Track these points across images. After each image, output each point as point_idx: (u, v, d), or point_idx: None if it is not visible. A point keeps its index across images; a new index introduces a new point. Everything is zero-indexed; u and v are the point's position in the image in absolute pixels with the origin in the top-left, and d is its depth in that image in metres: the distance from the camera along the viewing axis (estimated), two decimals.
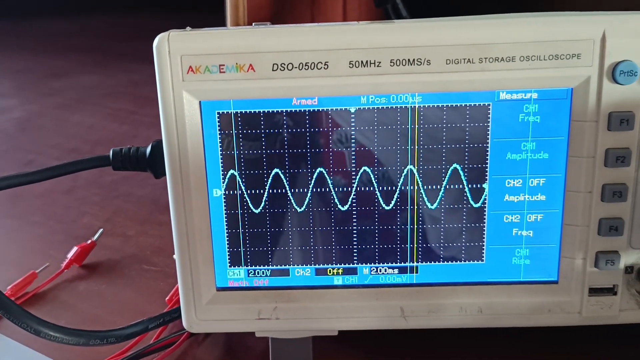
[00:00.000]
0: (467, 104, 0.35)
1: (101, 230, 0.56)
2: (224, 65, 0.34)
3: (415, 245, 0.38)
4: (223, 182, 0.37)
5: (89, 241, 0.54)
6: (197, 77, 0.35)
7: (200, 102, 0.35)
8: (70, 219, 0.62)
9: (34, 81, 1.06)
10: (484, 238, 0.37)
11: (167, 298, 0.47)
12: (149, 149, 0.41)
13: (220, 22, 0.49)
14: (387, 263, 0.38)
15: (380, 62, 0.34)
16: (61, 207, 0.64)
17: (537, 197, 0.37)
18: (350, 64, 0.34)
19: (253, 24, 0.37)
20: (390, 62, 0.34)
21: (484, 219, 0.37)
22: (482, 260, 0.38)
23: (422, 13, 0.40)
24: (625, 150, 0.35)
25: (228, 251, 0.38)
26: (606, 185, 0.35)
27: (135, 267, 0.54)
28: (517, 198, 0.37)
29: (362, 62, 0.34)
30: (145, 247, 0.56)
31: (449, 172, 0.36)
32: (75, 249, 0.53)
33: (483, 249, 0.38)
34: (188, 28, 0.36)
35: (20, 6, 1.51)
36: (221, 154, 0.36)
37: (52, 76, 1.07)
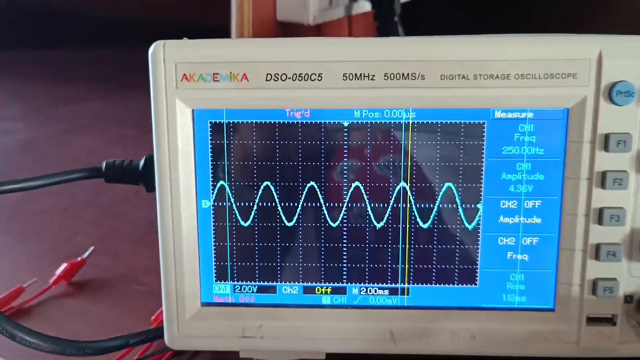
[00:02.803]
0: (462, 122, 0.35)
1: (92, 248, 0.55)
2: (218, 74, 0.34)
3: (406, 266, 0.36)
4: (212, 193, 0.36)
5: (79, 258, 0.53)
6: (190, 85, 0.35)
7: (193, 110, 0.35)
8: (63, 237, 0.61)
9: (41, 106, 1.07)
10: (477, 261, 0.36)
11: (152, 317, 0.46)
12: (142, 162, 0.41)
13: None
14: (377, 283, 0.37)
15: (374, 76, 0.34)
16: (56, 226, 0.64)
17: (533, 220, 0.36)
18: (344, 76, 0.34)
19: None
20: (385, 75, 0.34)
21: (478, 240, 0.36)
22: (476, 284, 0.36)
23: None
24: (623, 172, 0.34)
25: (215, 265, 0.37)
26: (603, 209, 0.34)
27: (124, 287, 0.52)
28: (512, 220, 0.36)
29: (356, 74, 0.34)
30: (136, 267, 0.55)
31: (443, 190, 0.36)
32: (64, 265, 0.52)
33: (477, 273, 0.36)
34: (185, 38, 0.36)
35: (35, 36, 1.55)
36: (212, 164, 0.36)
37: (59, 102, 1.08)
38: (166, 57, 0.34)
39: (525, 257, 0.36)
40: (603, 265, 0.35)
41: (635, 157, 0.34)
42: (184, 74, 0.34)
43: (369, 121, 0.35)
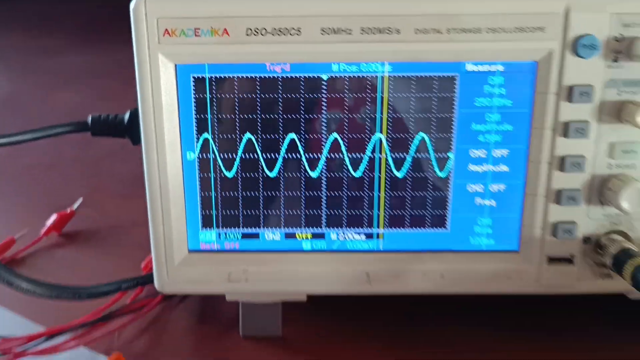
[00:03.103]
0: (435, 75, 0.36)
1: (80, 199, 0.56)
2: (199, 29, 0.35)
3: (381, 212, 0.39)
4: (197, 146, 0.38)
5: (68, 210, 0.55)
6: (172, 41, 0.36)
7: (175, 65, 0.36)
8: (51, 190, 0.63)
9: (22, 60, 1.06)
10: (448, 206, 0.38)
11: (142, 265, 0.48)
12: (127, 116, 0.42)
13: None
14: (354, 229, 0.39)
15: (351, 30, 0.35)
16: (44, 180, 0.65)
17: (501, 168, 0.38)
18: (322, 30, 0.35)
19: None
20: (361, 30, 0.35)
21: (449, 187, 0.38)
22: (446, 229, 0.39)
23: None
24: (584, 122, 0.36)
25: (201, 214, 0.39)
26: (566, 157, 0.37)
27: (113, 237, 0.54)
28: (481, 168, 0.38)
29: (333, 29, 0.35)
30: (125, 219, 0.57)
31: (416, 141, 0.38)
32: (54, 216, 0.54)
33: (447, 217, 0.39)
34: None
35: None
36: (195, 118, 0.37)
37: (42, 55, 1.07)
38: (148, 12, 0.35)
39: (492, 202, 0.38)
40: (563, 209, 0.37)
41: (597, 108, 0.36)
42: (166, 29, 0.35)
43: (346, 74, 0.37)
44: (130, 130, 0.42)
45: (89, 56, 1.06)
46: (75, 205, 0.56)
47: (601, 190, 0.37)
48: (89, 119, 0.43)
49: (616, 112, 0.36)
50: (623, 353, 0.40)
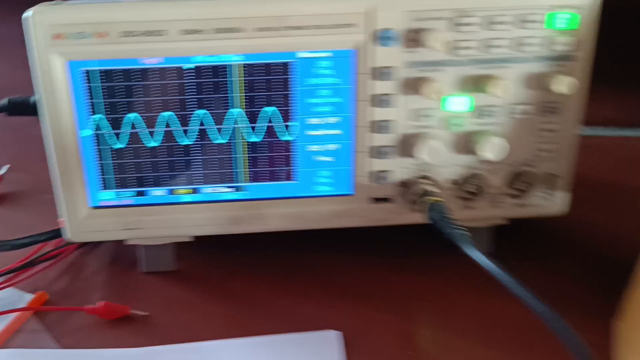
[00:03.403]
0: (276, 61, 0.47)
1: (7, 165, 0.65)
2: (83, 32, 0.44)
3: (244, 170, 0.49)
4: (91, 124, 0.47)
5: None
6: (62, 42, 0.44)
7: (66, 62, 0.45)
8: None
9: None
10: (294, 164, 0.50)
11: (59, 220, 0.58)
12: (33, 99, 0.51)
13: None
14: (223, 184, 0.50)
15: (206, 30, 0.45)
16: None
17: (334, 132, 0.49)
18: (184, 31, 0.45)
19: None
20: (215, 30, 0.45)
21: (295, 149, 0.49)
22: (295, 181, 0.50)
23: None
24: (390, 95, 0.47)
25: (99, 178, 0.49)
26: (379, 122, 0.48)
27: (37, 197, 0.63)
28: (318, 132, 0.49)
29: (193, 30, 0.45)
30: (47, 180, 0.66)
31: (267, 113, 0.48)
32: None
33: (294, 172, 0.50)
34: (55, 1, 0.45)
35: None
36: (89, 102, 0.47)
37: None
38: (38, 22, 0.44)
39: (330, 159, 0.50)
40: (381, 162, 0.49)
41: (399, 84, 0.47)
42: (56, 34, 0.44)
43: (207, 64, 0.46)
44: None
45: (11, 23, 1.10)
46: (2, 171, 0.64)
47: (408, 146, 0.49)
48: (6, 101, 0.51)
49: (415, 86, 0.47)
50: (452, 271, 0.52)
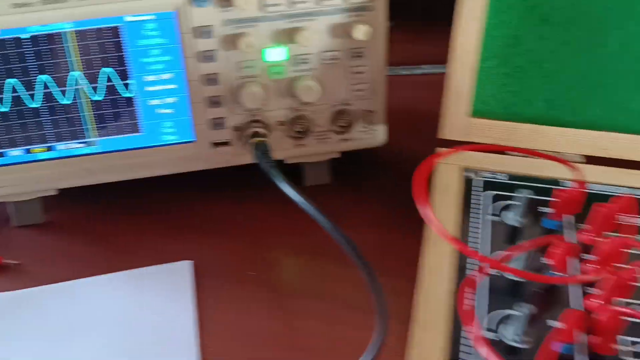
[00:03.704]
0: (106, 26, 0.52)
1: None
2: None
3: (92, 126, 0.55)
4: None
5: None
6: None
7: None
8: None
9: None
10: (138, 117, 0.55)
11: None
12: None
13: None
14: (75, 140, 0.55)
15: (34, 3, 0.50)
16: None
17: (170, 86, 0.55)
18: (14, 5, 0.49)
19: None
20: (42, 1, 0.50)
21: (137, 104, 0.55)
22: (141, 132, 0.56)
23: None
24: (212, 51, 0.53)
25: None
26: (207, 75, 0.54)
27: None
28: (156, 88, 0.55)
29: (23, 3, 0.50)
30: None
31: (105, 73, 0.53)
32: None
33: (139, 125, 0.56)
34: None
35: None
36: None
37: None
38: None
39: (170, 111, 0.56)
40: (215, 110, 0.55)
41: (220, 40, 0.53)
42: None
43: (42, 32, 0.51)
44: None
45: None
46: None
47: (236, 94, 0.55)
48: None
49: (234, 41, 0.53)
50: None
